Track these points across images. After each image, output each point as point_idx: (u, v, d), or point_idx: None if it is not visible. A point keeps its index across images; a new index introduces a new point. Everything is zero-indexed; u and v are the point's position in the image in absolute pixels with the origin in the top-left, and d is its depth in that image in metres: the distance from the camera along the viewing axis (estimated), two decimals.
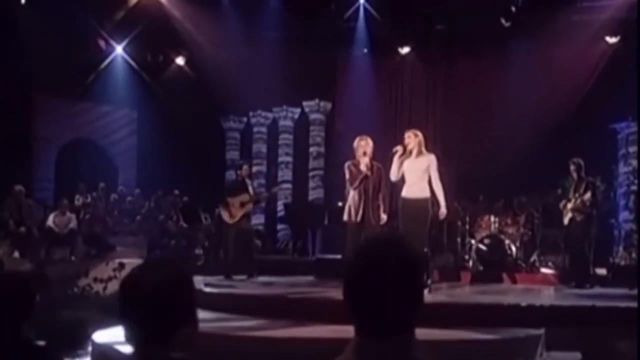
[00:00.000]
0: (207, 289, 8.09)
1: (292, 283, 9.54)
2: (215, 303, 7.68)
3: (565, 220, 10.06)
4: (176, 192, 15.04)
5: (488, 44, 14.96)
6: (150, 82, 16.38)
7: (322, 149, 16.07)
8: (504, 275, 10.54)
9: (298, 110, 16.40)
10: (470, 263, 11.15)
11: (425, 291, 7.89)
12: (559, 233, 11.00)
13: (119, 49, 16.06)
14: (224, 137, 16.94)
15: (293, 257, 12.71)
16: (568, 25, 14.04)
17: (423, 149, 8.18)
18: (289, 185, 16.15)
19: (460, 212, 11.68)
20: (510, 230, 11.27)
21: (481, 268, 11.03)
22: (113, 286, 10.72)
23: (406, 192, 8.15)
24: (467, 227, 11.59)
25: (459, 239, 11.68)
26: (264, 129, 16.69)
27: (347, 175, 8.23)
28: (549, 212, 11.20)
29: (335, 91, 15.97)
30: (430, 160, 8.13)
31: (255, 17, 14.86)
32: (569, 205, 9.94)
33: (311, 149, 15.90)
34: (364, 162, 8.15)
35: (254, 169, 16.48)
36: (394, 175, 8.18)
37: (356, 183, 8.12)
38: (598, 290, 9.42)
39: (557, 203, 10.48)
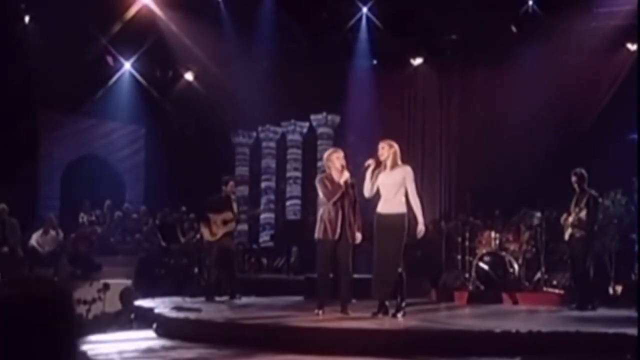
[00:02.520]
0: (171, 314, 7.67)
1: (269, 305, 9.10)
2: (172, 330, 7.31)
3: (566, 236, 9.44)
4: (183, 209, 14.74)
5: (503, 54, 14.34)
6: (159, 97, 16.18)
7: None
8: (504, 296, 9.93)
9: (306, 124, 16.03)
10: (470, 282, 10.54)
11: (399, 315, 7.43)
12: (565, 250, 10.32)
13: (127, 65, 15.92)
14: (234, 153, 16.64)
15: (288, 275, 12.26)
16: (586, 32, 13.37)
17: (399, 160, 7.62)
18: (297, 201, 15.73)
19: (460, 228, 11.11)
20: (512, 246, 10.63)
21: (482, 287, 10.42)
22: (97, 308, 10.48)
23: (381, 208, 7.61)
24: (467, 243, 10.98)
25: (459, 257, 11.09)
26: (272, 144, 16.35)
27: (323, 190, 7.69)
28: (554, 228, 10.52)
29: (346, 104, 15.50)
30: (406, 173, 7.56)
31: (259, 31, 14.51)
32: (569, 220, 9.31)
33: (319, 164, 15.40)
34: (344, 177, 7.63)
35: (263, 184, 16.24)
36: (367, 191, 7.64)
37: (335, 197, 7.59)
38: (599, 312, 8.78)
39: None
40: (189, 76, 16.13)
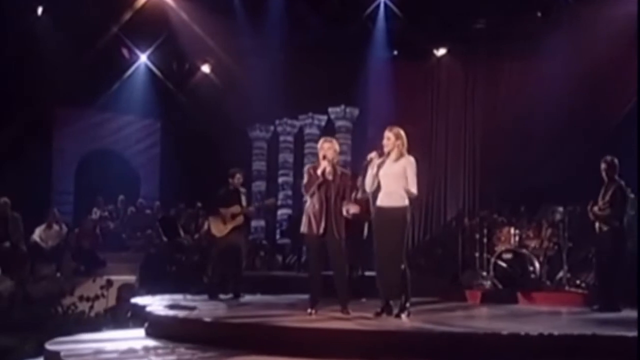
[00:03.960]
0: (160, 312, 7.24)
1: (270, 304, 8.65)
2: (160, 329, 6.91)
3: (596, 229, 8.79)
4: (199, 204, 14.38)
5: (530, 44, 13.71)
6: (175, 90, 15.86)
7: (348, 158, 15.12)
8: (520, 295, 9.36)
9: (324, 117, 15.57)
10: (487, 281, 9.98)
11: (403, 315, 6.92)
12: (590, 247, 9.70)
13: (143, 58, 15.62)
14: (251, 147, 16.25)
15: (298, 272, 11.80)
16: (618, 19, 12.62)
17: (404, 151, 7.08)
18: None
19: (478, 225, 10.56)
20: (533, 243, 10.03)
21: (500, 286, 9.86)
22: (100, 305, 10.12)
23: (381, 201, 7.07)
24: (485, 240, 10.41)
25: (477, 254, 10.52)
26: (290, 138, 15.95)
27: (305, 180, 7.24)
28: (579, 223, 9.89)
29: (365, 96, 14.97)
30: (408, 163, 7.02)
31: (275, 22, 14.06)
32: (595, 210, 8.68)
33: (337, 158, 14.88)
34: (322, 167, 7.13)
35: (281, 179, 15.81)
36: (369, 185, 7.13)
37: (312, 189, 7.09)
38: (624, 314, 8.13)
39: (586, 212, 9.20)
40: (205, 69, 15.79)
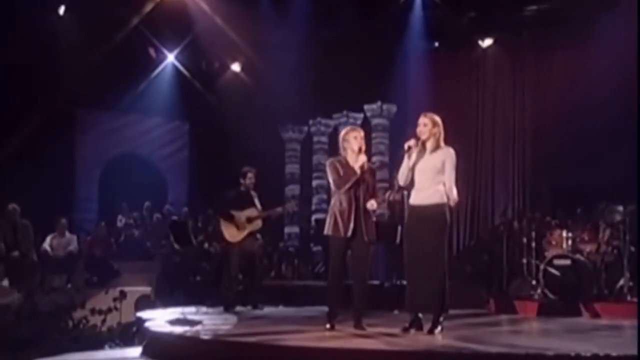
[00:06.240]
0: (156, 329, 6.38)
1: (288, 317, 7.79)
2: (155, 348, 6.08)
3: None
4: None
5: (584, 30, 12.51)
6: (203, 91, 15.14)
7: (386, 159, 14.15)
8: (576, 307, 8.27)
9: (360, 115, 14.66)
10: (537, 290, 8.90)
11: (436, 331, 5.94)
12: None
13: (170, 57, 14.93)
14: (283, 149, 15.41)
15: (325, 282, 10.86)
16: None
17: (442, 142, 6.11)
18: None
19: (526, 228, 9.50)
20: (589, 248, 8.93)
21: (552, 296, 8.77)
22: (113, 319, 9.36)
23: (415, 199, 6.11)
24: (534, 245, 9.34)
25: (524, 260, 9.44)
26: (324, 139, 15.08)
27: (334, 176, 6.30)
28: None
29: (403, 92, 13.95)
30: (446, 155, 6.03)
31: (306, 17, 13.17)
32: None
33: (374, 159, 13.89)
34: (360, 160, 6.24)
35: (315, 182, 14.93)
36: (402, 178, 6.17)
37: (348, 185, 6.20)
38: None
39: None
40: (235, 67, 15.05)
